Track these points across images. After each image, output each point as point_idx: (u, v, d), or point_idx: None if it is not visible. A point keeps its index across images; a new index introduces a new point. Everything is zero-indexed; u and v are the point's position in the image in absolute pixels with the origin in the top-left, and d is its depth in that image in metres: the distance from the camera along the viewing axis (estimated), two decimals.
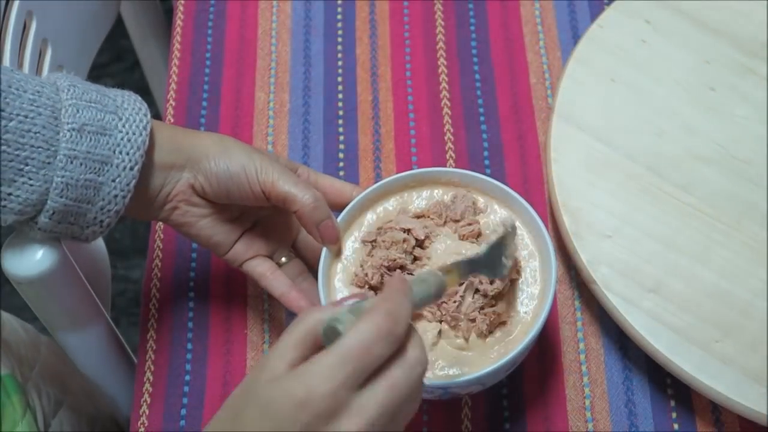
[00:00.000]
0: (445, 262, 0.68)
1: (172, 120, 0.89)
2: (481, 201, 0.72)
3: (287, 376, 0.53)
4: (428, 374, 0.66)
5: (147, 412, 0.76)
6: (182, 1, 0.96)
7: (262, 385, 0.53)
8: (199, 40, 0.93)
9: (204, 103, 0.90)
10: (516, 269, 0.69)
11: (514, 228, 0.67)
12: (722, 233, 0.76)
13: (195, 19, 0.95)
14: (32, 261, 0.68)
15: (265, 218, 0.74)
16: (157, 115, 0.98)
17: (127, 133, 0.66)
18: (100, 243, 0.96)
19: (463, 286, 0.68)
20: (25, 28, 0.85)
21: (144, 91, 1.23)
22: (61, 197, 0.64)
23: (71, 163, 0.64)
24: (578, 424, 0.73)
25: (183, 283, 0.81)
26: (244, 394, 0.55)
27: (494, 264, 0.66)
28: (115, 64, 1.74)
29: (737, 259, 0.75)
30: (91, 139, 0.65)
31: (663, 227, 0.76)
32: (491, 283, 0.67)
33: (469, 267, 0.64)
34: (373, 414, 0.52)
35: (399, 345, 0.54)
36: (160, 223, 0.83)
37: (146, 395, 0.77)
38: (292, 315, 0.75)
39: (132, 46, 1.17)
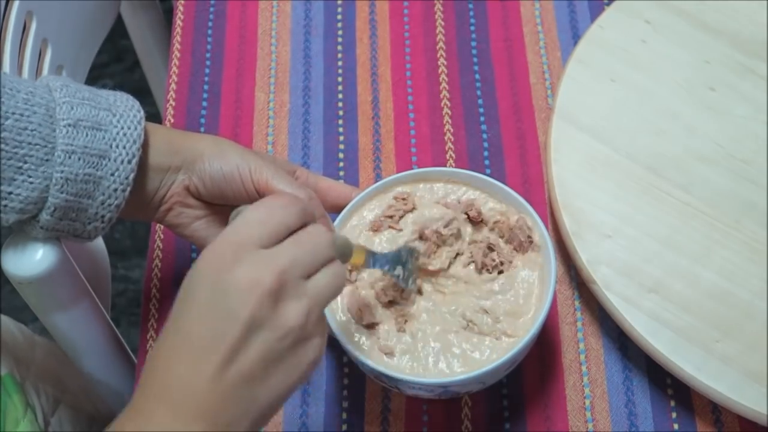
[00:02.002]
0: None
1: (172, 120, 0.89)
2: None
3: (236, 267, 0.55)
4: (425, 370, 0.67)
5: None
6: (182, 1, 0.96)
7: (212, 269, 0.56)
8: (199, 40, 0.93)
9: (204, 103, 0.90)
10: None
11: (411, 252, 0.69)
12: (722, 233, 0.76)
13: (195, 19, 0.95)
14: (32, 261, 0.68)
15: None
16: (157, 115, 0.98)
17: (122, 128, 0.67)
18: (100, 243, 0.96)
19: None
20: (25, 28, 0.85)
21: (144, 91, 1.23)
22: (62, 193, 0.64)
23: (69, 158, 0.64)
24: (578, 424, 0.73)
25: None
26: (193, 288, 0.56)
27: (401, 273, 0.68)
28: (115, 64, 1.74)
29: (737, 259, 0.75)
30: (87, 135, 0.65)
31: (663, 227, 0.76)
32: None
33: (373, 258, 0.66)
34: (279, 263, 0.55)
35: (302, 218, 0.58)
36: (159, 223, 0.83)
37: None
38: None
39: (132, 46, 1.17)
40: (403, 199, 0.73)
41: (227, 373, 0.53)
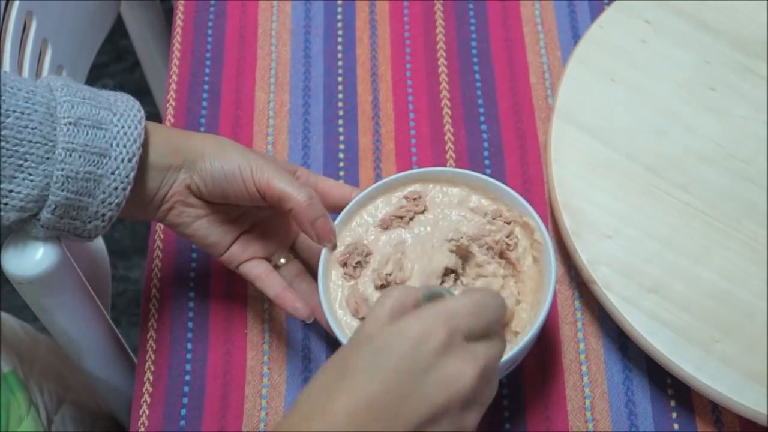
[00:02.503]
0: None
1: (172, 120, 0.89)
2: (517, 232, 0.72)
3: (400, 321, 0.55)
4: None
5: (147, 412, 0.76)
6: (182, 1, 0.96)
7: (369, 333, 0.55)
8: (199, 40, 0.93)
9: (204, 103, 0.90)
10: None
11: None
12: (722, 233, 0.76)
13: (195, 19, 0.95)
14: (32, 261, 0.68)
15: (263, 220, 0.74)
16: (157, 115, 0.98)
17: (123, 127, 0.67)
18: (100, 243, 0.96)
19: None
20: (25, 28, 0.85)
21: (144, 91, 1.23)
22: (62, 190, 0.64)
23: (70, 156, 0.64)
24: (578, 424, 0.73)
25: (183, 283, 0.81)
26: (350, 347, 0.56)
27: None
28: (115, 64, 1.74)
29: (737, 259, 0.75)
30: (87, 133, 0.65)
31: (663, 227, 0.76)
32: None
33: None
34: (481, 362, 0.55)
35: (502, 317, 0.59)
36: (159, 223, 0.83)
37: (146, 395, 0.77)
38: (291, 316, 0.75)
39: (132, 46, 1.17)
40: (414, 199, 0.72)
41: None
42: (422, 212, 0.72)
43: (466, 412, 0.55)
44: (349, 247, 0.71)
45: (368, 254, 0.71)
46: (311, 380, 0.56)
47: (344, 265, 0.71)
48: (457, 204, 0.73)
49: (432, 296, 0.59)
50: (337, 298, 0.70)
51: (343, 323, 0.69)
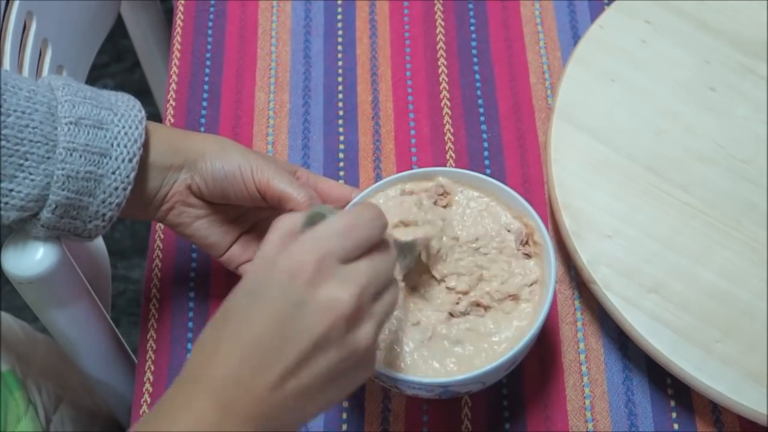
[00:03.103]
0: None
1: (172, 120, 0.89)
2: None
3: (276, 256, 0.55)
4: (431, 369, 0.67)
5: (147, 412, 0.76)
6: (182, 1, 0.96)
7: (251, 276, 0.55)
8: (199, 40, 0.93)
9: (204, 103, 0.90)
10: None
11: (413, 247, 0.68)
12: (722, 233, 0.76)
13: (195, 19, 0.95)
14: (32, 261, 0.68)
15: (263, 221, 0.74)
16: (157, 115, 0.98)
17: (124, 127, 0.67)
18: (100, 243, 0.96)
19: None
20: (25, 29, 0.85)
21: (144, 91, 1.23)
22: (63, 190, 0.64)
23: (71, 155, 0.64)
24: (578, 424, 0.73)
25: (183, 283, 0.81)
26: (235, 290, 0.56)
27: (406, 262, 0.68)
28: (115, 64, 1.74)
29: (737, 259, 0.75)
30: (88, 133, 0.65)
31: (663, 227, 0.76)
32: None
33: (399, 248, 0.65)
34: (360, 280, 0.54)
35: (382, 233, 0.57)
36: (159, 223, 0.83)
37: (146, 395, 0.77)
38: None
39: (132, 46, 1.17)
40: (441, 195, 0.73)
41: (285, 385, 0.53)
42: (445, 206, 0.72)
43: (354, 332, 0.54)
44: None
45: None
46: (203, 329, 0.56)
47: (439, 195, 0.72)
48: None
49: (313, 219, 0.57)
50: None
51: None
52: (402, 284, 0.69)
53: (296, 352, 0.53)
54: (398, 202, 0.71)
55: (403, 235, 0.68)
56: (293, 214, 0.58)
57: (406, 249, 0.67)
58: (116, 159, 0.66)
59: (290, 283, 0.53)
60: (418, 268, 0.70)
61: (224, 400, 0.53)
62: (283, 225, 0.57)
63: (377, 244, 0.57)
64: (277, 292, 0.53)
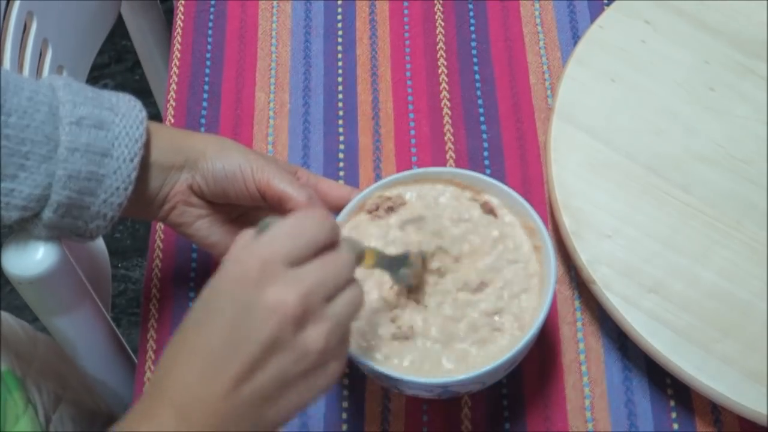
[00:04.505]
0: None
1: (172, 120, 0.89)
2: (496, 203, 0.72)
3: (226, 264, 0.56)
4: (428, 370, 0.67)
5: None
6: (182, 1, 0.96)
7: (208, 286, 0.56)
8: (199, 40, 0.93)
9: (204, 103, 0.90)
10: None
11: (422, 255, 0.69)
12: (722, 233, 0.76)
13: (195, 19, 0.95)
14: (32, 261, 0.68)
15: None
16: (157, 115, 0.98)
17: (125, 127, 0.67)
18: (100, 243, 0.96)
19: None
20: (25, 29, 0.85)
21: (144, 91, 1.23)
22: (64, 189, 0.65)
23: (72, 155, 0.64)
24: (578, 424, 0.73)
25: (183, 283, 0.81)
26: (194, 304, 0.56)
27: (396, 273, 0.68)
28: (115, 64, 1.74)
29: (737, 260, 0.75)
30: (90, 133, 0.65)
31: (663, 227, 0.76)
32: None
33: (381, 260, 0.65)
34: (307, 281, 0.54)
35: (331, 236, 0.57)
36: (160, 223, 0.83)
37: None
38: None
39: (132, 47, 1.17)
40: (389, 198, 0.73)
41: (240, 390, 0.53)
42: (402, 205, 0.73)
43: (303, 334, 0.54)
44: (382, 198, 0.72)
45: (402, 204, 0.72)
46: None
47: (376, 208, 0.72)
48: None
49: (264, 228, 0.57)
50: None
51: None
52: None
53: (246, 356, 0.53)
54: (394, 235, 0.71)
55: (395, 248, 0.69)
56: (252, 229, 0.58)
57: (397, 263, 0.67)
58: (117, 159, 0.66)
59: (237, 288, 0.54)
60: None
61: (181, 409, 0.53)
62: (240, 237, 0.57)
63: (327, 246, 0.57)
64: (226, 298, 0.54)
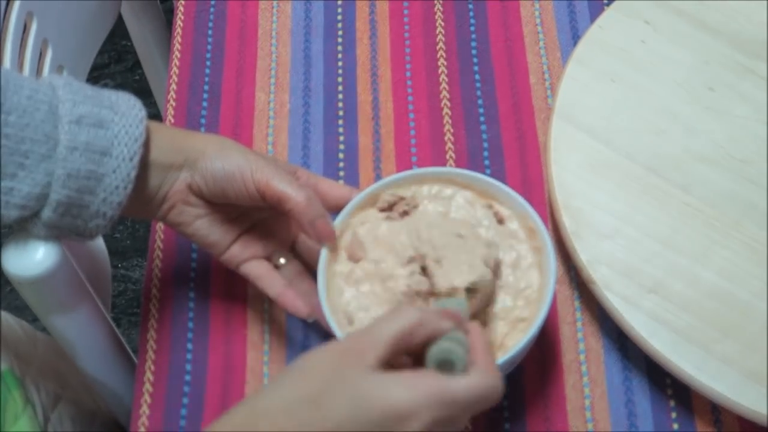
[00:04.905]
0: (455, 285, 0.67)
1: (172, 120, 0.89)
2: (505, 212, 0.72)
3: (388, 377, 0.55)
4: None
5: (147, 412, 0.76)
6: (182, 1, 0.96)
7: (353, 371, 0.55)
8: (199, 40, 0.93)
9: (204, 103, 0.90)
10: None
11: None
12: (722, 233, 0.76)
13: (195, 19, 0.95)
14: (32, 261, 0.68)
15: (263, 220, 0.74)
16: (157, 115, 0.98)
17: (124, 126, 0.67)
18: (100, 243, 0.96)
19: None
20: (25, 29, 0.85)
21: (144, 91, 1.23)
22: (64, 188, 0.65)
23: (72, 154, 0.64)
24: (578, 424, 0.73)
25: (183, 283, 0.81)
26: (331, 372, 0.56)
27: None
28: (115, 64, 1.74)
29: (737, 260, 0.75)
30: (89, 131, 0.65)
31: (663, 227, 0.76)
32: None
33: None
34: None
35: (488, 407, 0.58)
36: (160, 223, 0.83)
37: (146, 395, 0.77)
38: (292, 315, 0.75)
39: (132, 47, 1.17)
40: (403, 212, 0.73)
41: None
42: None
43: None
44: (395, 197, 0.72)
45: (415, 207, 0.72)
46: (278, 380, 0.57)
47: (390, 208, 0.72)
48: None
49: (444, 362, 0.57)
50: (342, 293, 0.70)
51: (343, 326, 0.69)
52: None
53: None
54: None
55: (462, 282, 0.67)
56: (422, 311, 0.58)
57: (470, 293, 0.66)
58: (117, 158, 0.66)
59: (396, 426, 0.54)
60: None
61: None
62: (408, 324, 0.57)
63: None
64: (380, 425, 0.54)
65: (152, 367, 0.78)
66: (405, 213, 0.72)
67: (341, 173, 0.85)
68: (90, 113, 0.66)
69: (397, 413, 0.54)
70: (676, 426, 0.73)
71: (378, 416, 0.54)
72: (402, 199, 0.73)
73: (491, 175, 0.75)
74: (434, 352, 0.57)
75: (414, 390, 0.55)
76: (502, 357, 0.65)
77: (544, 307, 0.67)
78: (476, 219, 0.72)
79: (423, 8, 0.94)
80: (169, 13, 1.02)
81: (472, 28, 0.92)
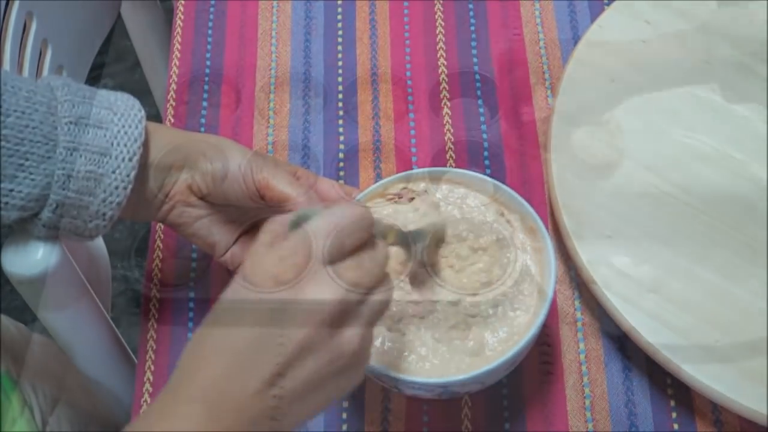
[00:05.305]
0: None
1: (172, 120, 0.89)
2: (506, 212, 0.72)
3: (262, 258, 0.54)
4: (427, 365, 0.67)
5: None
6: (182, 1, 0.96)
7: (238, 280, 0.55)
8: (199, 40, 0.93)
9: (204, 103, 0.90)
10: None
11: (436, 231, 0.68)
12: (722, 233, 0.76)
13: (195, 19, 0.95)
14: (32, 261, 0.68)
15: (264, 221, 0.74)
16: (157, 115, 0.98)
17: (123, 126, 0.67)
18: (100, 243, 0.96)
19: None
20: (25, 29, 0.85)
21: (144, 91, 1.23)
22: (63, 189, 0.65)
23: (71, 155, 0.64)
24: (578, 424, 0.73)
25: (183, 283, 0.81)
26: (223, 295, 0.56)
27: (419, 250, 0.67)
28: (115, 64, 1.74)
29: (737, 260, 0.75)
30: (88, 132, 0.65)
31: (663, 227, 0.76)
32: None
33: (400, 238, 0.64)
34: (343, 285, 0.54)
35: (369, 232, 0.56)
36: (160, 223, 0.83)
37: (146, 395, 0.77)
38: None
39: (132, 47, 1.17)
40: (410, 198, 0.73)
41: (272, 390, 0.53)
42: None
43: (340, 335, 0.53)
44: (406, 189, 0.72)
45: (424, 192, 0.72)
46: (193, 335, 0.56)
47: (399, 197, 0.71)
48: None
49: (299, 221, 0.56)
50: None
51: None
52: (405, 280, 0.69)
53: (281, 356, 0.52)
54: (393, 209, 0.71)
55: (411, 224, 0.68)
56: (283, 216, 0.57)
57: (415, 238, 0.66)
58: (116, 158, 0.66)
59: (273, 287, 0.53)
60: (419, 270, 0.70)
61: (210, 406, 0.52)
62: (271, 227, 0.56)
63: (364, 243, 0.56)
64: (260, 297, 0.53)
65: (152, 367, 0.78)
66: (411, 199, 0.72)
67: (341, 173, 0.85)
68: (89, 114, 0.66)
69: (272, 273, 0.53)
70: (676, 426, 0.73)
71: (258, 292, 0.53)
72: (412, 190, 0.72)
73: (491, 175, 0.75)
74: (291, 218, 0.56)
75: (276, 249, 0.54)
76: (502, 357, 0.65)
77: (544, 307, 0.67)
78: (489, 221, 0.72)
79: (423, 8, 0.94)
80: (169, 13, 1.02)
81: (472, 28, 0.92)
